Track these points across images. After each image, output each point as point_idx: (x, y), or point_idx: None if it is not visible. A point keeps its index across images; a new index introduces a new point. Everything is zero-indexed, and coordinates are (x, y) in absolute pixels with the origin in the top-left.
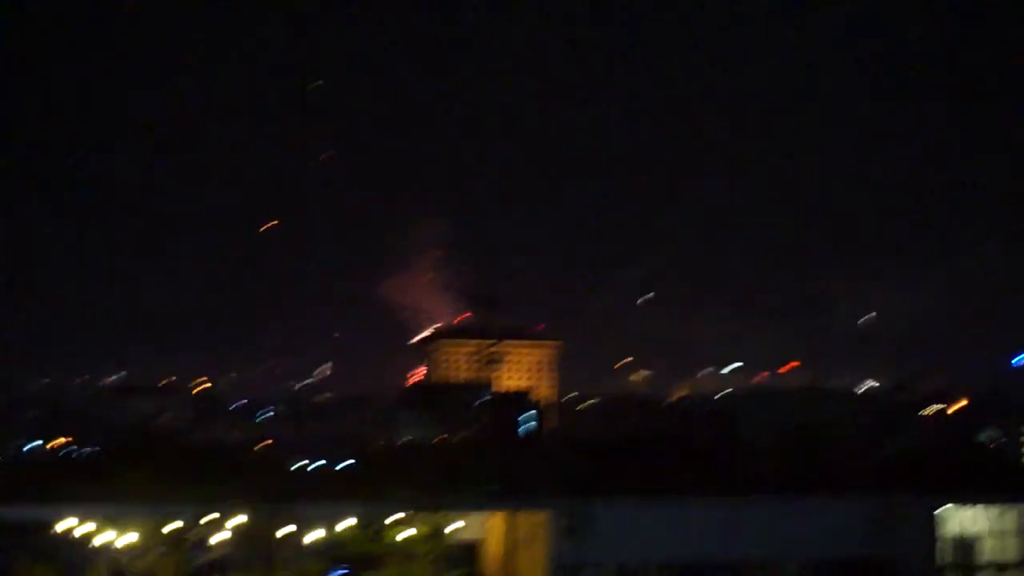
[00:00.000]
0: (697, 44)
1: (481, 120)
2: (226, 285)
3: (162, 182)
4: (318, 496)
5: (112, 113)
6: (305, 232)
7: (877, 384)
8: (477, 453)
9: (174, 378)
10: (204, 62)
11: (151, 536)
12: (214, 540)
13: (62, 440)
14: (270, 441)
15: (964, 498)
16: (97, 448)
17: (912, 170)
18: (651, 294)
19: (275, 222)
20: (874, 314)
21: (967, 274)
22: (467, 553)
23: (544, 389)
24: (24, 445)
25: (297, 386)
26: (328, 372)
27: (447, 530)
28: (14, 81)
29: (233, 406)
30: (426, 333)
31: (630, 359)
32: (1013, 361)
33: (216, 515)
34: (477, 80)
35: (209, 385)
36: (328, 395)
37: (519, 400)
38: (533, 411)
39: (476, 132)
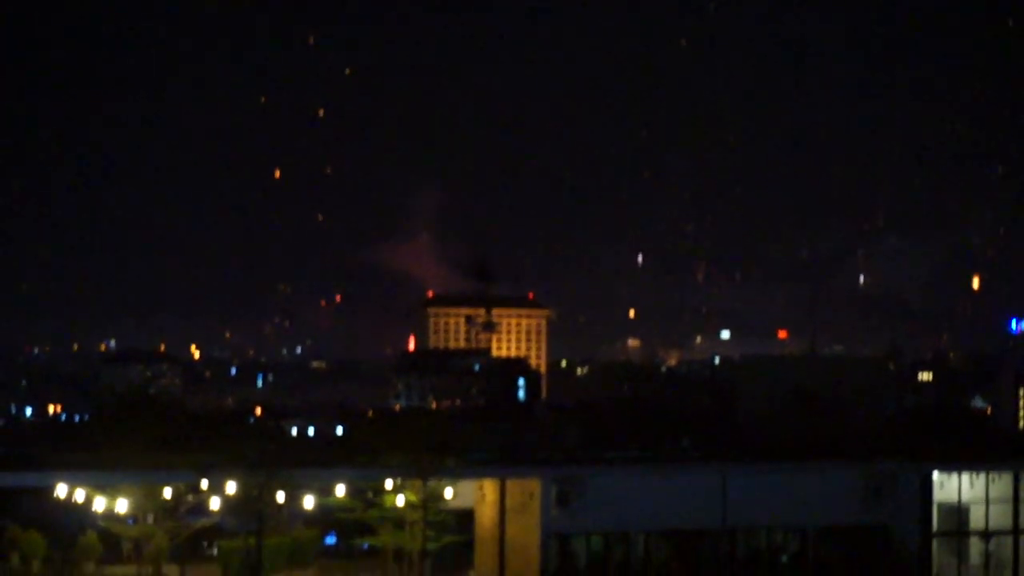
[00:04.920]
0: (695, 6)
1: (477, 89)
2: (220, 250)
3: (154, 143)
4: (312, 462)
5: (105, 75)
6: (300, 198)
7: (874, 350)
8: (471, 419)
9: (168, 345)
10: (205, 22)
11: (144, 503)
12: (208, 507)
13: (56, 407)
14: (264, 407)
15: (958, 464)
16: (90, 414)
17: (910, 137)
18: (639, 258)
19: (276, 173)
20: (867, 277)
21: (965, 240)
22: (460, 521)
23: (536, 357)
24: (17, 411)
25: (286, 350)
26: (321, 343)
27: (440, 497)
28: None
29: (228, 372)
30: (420, 300)
31: (625, 324)
32: (1011, 327)
33: (210, 481)
34: (474, 49)
35: (200, 353)
36: (322, 362)
37: (517, 367)
38: (524, 381)
39: (471, 101)
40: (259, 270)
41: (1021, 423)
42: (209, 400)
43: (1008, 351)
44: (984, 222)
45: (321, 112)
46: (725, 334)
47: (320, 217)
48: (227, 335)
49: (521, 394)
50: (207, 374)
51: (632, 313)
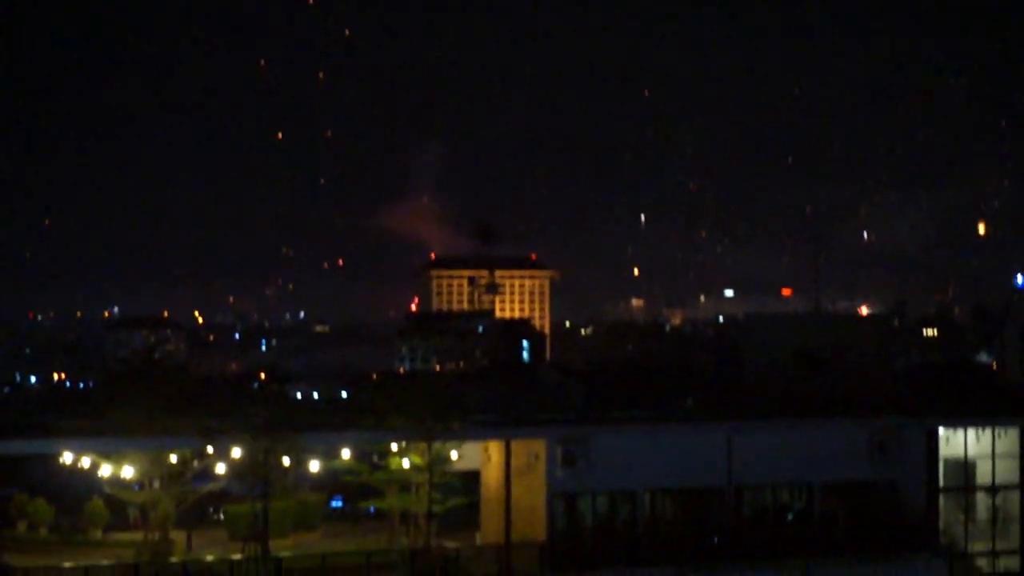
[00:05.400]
0: None
1: (478, 48)
2: (222, 215)
3: (154, 108)
4: (317, 426)
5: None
6: (302, 161)
7: (879, 306)
8: (476, 381)
9: (171, 311)
10: None
11: (150, 468)
12: (214, 472)
13: (60, 374)
14: (268, 371)
15: (964, 419)
16: (95, 381)
17: (914, 91)
18: (643, 217)
19: (278, 136)
20: (871, 234)
21: (970, 195)
22: (466, 482)
23: (539, 318)
24: (22, 379)
25: (290, 314)
26: (324, 307)
27: (446, 460)
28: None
29: (232, 337)
30: (423, 262)
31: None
32: (1018, 283)
33: (215, 446)
34: (474, 6)
35: (204, 319)
36: (325, 326)
37: (521, 328)
38: (529, 342)
39: (472, 60)
40: (262, 234)
41: None
42: (214, 365)
43: (1014, 305)
44: (989, 175)
45: (321, 75)
46: (729, 292)
47: (322, 180)
48: (230, 300)
49: (525, 355)
50: (211, 339)
51: (636, 272)
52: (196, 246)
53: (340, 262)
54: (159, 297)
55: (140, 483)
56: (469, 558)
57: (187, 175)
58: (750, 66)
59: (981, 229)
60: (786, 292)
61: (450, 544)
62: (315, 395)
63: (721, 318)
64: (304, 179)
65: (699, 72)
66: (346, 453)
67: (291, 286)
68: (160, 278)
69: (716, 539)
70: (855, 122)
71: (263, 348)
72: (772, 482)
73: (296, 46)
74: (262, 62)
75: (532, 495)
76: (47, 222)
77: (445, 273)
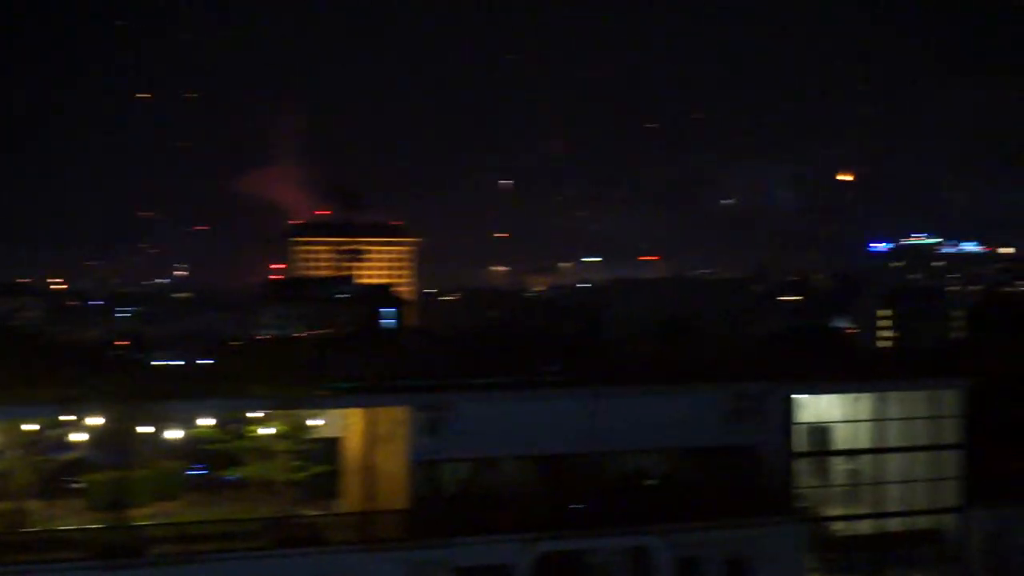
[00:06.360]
0: None
1: (340, 11)
2: (80, 178)
3: (17, 69)
4: (177, 394)
5: None
6: (163, 123)
7: (737, 272)
8: (338, 348)
9: (29, 277)
10: None
11: (7, 438)
12: (73, 440)
13: None
14: (129, 339)
15: (821, 385)
16: None
17: (774, 58)
18: (510, 182)
19: (149, 96)
20: (733, 200)
21: (826, 162)
22: (327, 450)
23: (404, 284)
24: None
25: (149, 283)
26: (186, 273)
27: (307, 427)
28: None
29: (90, 303)
30: (285, 228)
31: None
32: (869, 246)
33: (74, 415)
34: None
35: (65, 285)
36: (187, 292)
37: (383, 294)
38: (393, 309)
39: (334, 24)
40: (121, 199)
41: (887, 343)
42: (73, 332)
43: (869, 273)
44: (851, 142)
45: (188, 35)
46: (592, 258)
47: (183, 144)
48: (87, 265)
49: (388, 322)
50: (69, 305)
51: (502, 237)
52: (54, 210)
53: (195, 228)
54: (15, 263)
55: None
56: (330, 526)
57: (45, 136)
58: (613, 32)
59: (850, 177)
60: (648, 258)
61: (311, 512)
62: (176, 362)
63: (584, 284)
64: (166, 142)
65: (563, 36)
66: (207, 421)
67: (153, 251)
68: (18, 243)
69: (575, 506)
70: (719, 89)
71: (124, 315)
72: (633, 448)
73: (159, 5)
74: (123, 23)
75: (394, 462)
76: None
77: (307, 239)
